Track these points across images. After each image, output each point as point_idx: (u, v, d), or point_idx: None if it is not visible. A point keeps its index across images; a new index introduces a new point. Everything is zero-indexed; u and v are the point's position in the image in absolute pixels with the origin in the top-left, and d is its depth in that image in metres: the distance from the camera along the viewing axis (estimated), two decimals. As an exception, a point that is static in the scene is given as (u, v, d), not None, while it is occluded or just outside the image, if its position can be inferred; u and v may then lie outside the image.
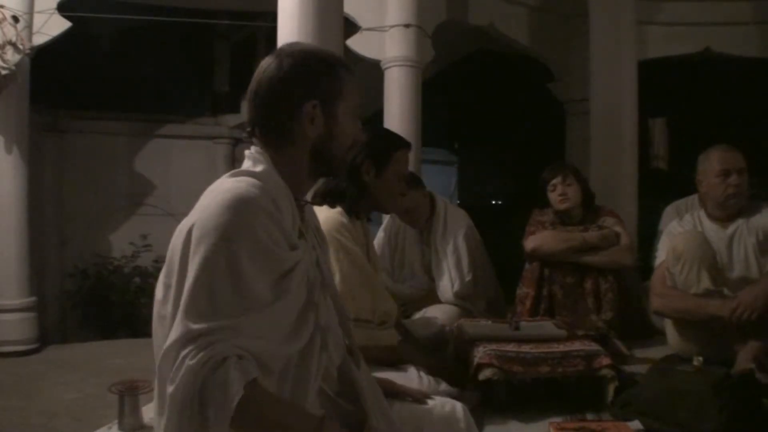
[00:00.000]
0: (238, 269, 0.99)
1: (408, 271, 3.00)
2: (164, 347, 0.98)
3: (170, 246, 1.09)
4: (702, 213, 2.61)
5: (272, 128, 1.16)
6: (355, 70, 1.25)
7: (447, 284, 2.86)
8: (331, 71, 1.17)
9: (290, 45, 1.22)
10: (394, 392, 1.39)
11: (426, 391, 1.51)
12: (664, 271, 2.46)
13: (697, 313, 2.32)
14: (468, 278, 2.86)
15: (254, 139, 1.19)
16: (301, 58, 1.17)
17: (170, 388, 0.96)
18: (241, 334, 0.98)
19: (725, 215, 2.52)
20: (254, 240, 1.01)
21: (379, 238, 3.02)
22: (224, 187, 1.06)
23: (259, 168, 1.13)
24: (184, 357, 0.95)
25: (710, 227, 2.54)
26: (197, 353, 0.94)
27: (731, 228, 2.50)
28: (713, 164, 2.49)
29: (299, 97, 1.14)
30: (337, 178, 1.32)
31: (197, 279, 0.99)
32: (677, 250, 2.38)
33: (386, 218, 3.04)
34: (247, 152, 1.18)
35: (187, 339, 0.96)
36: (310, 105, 1.14)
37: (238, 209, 1.02)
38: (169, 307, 1.04)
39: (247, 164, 1.15)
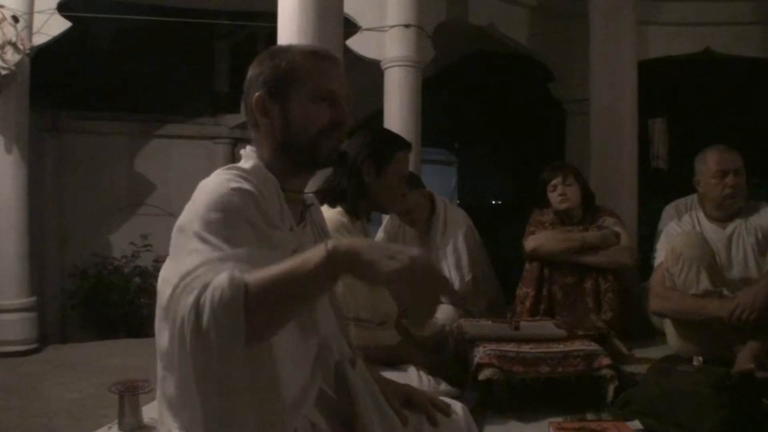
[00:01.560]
0: (225, 231, 0.98)
1: None
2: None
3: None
4: (701, 213, 2.60)
5: (249, 124, 1.21)
6: (337, 58, 1.22)
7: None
8: (280, 61, 1.17)
9: (273, 47, 1.26)
10: (412, 402, 1.30)
11: (440, 400, 1.40)
12: (663, 271, 2.45)
13: (695, 314, 2.32)
14: (468, 278, 2.86)
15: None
16: (262, 57, 1.20)
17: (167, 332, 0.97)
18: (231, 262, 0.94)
19: (724, 215, 2.52)
20: (236, 214, 1.01)
21: (379, 238, 3.02)
22: (212, 181, 1.08)
23: (247, 163, 1.15)
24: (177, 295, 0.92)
25: (709, 227, 2.54)
26: (187, 286, 0.91)
27: (730, 228, 2.50)
28: (710, 165, 2.49)
29: (249, 91, 1.18)
30: (327, 166, 1.23)
31: (183, 226, 1.01)
32: (676, 251, 2.38)
33: (386, 218, 3.05)
34: (241, 151, 1.21)
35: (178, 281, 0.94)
36: (257, 97, 1.16)
37: (226, 197, 1.02)
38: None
39: (240, 162, 1.18)
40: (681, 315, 2.40)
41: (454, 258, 2.86)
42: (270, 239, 1.04)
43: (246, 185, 1.05)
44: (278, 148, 1.17)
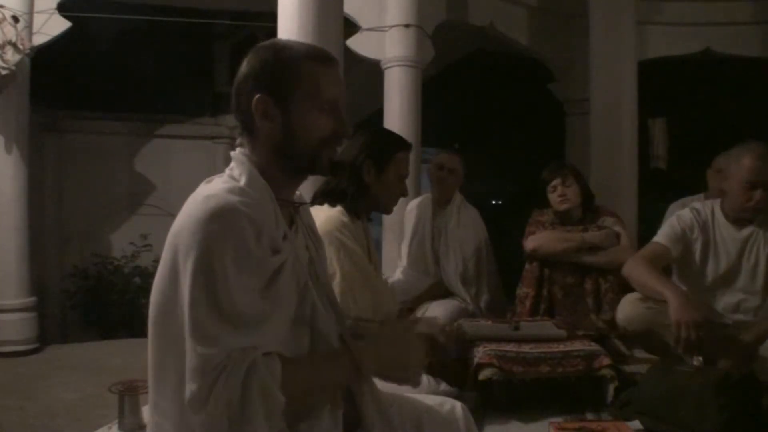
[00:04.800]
0: (227, 285, 0.98)
1: (417, 250, 3.13)
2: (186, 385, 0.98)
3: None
4: (717, 207, 2.42)
5: (241, 125, 1.16)
6: (337, 62, 1.19)
7: (452, 267, 3.01)
8: (285, 63, 1.12)
9: (267, 41, 1.20)
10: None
11: (426, 390, 1.49)
12: (655, 248, 2.37)
13: (652, 294, 2.20)
14: (471, 263, 3.02)
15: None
16: (261, 52, 1.15)
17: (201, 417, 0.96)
18: (249, 345, 0.98)
19: (741, 218, 2.36)
20: (238, 248, 1.00)
21: (410, 209, 3.23)
22: (204, 194, 1.05)
23: (239, 170, 1.11)
24: (208, 384, 0.95)
25: (723, 225, 2.38)
26: (220, 375, 0.95)
27: (745, 232, 2.35)
28: (743, 171, 2.27)
29: (249, 91, 1.12)
30: (322, 175, 1.21)
31: (193, 301, 0.97)
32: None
33: (386, 218, 3.07)
34: (232, 153, 1.16)
35: (204, 365, 0.96)
36: (259, 98, 1.11)
37: (219, 218, 1.00)
38: (155, 305, 1.06)
39: (230, 166, 1.14)
40: (643, 291, 2.28)
41: (460, 245, 3.02)
42: (269, 268, 1.05)
43: (243, 205, 1.02)
44: (276, 154, 1.13)
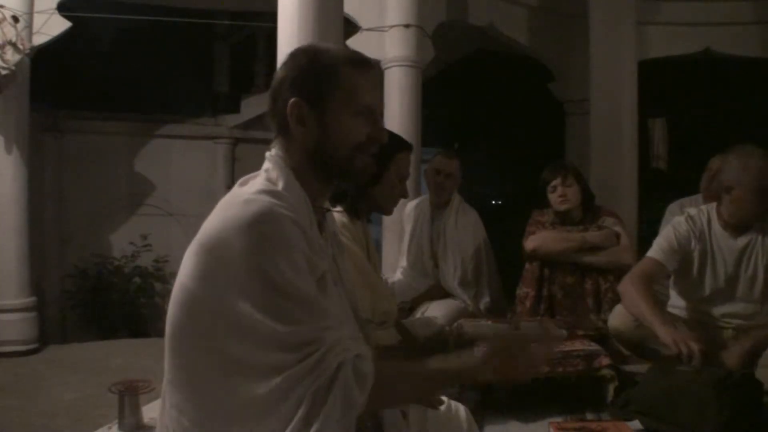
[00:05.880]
0: (287, 281, 0.95)
1: (416, 253, 3.12)
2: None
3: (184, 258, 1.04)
4: (714, 213, 2.34)
5: (276, 128, 1.14)
6: (375, 67, 1.17)
7: (450, 270, 3.00)
8: (322, 68, 1.10)
9: (306, 44, 1.19)
10: None
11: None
12: (650, 264, 2.32)
13: (642, 321, 2.16)
14: (470, 266, 3.00)
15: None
16: (299, 56, 1.13)
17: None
18: (337, 341, 0.97)
19: (739, 227, 2.29)
20: (291, 249, 0.97)
21: (408, 211, 3.22)
22: (243, 198, 1.01)
23: (276, 173, 1.09)
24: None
25: (720, 235, 2.31)
26: (315, 353, 0.94)
27: (743, 240, 2.28)
28: (752, 179, 2.16)
29: (285, 95, 1.10)
30: (353, 182, 1.19)
31: (256, 298, 0.94)
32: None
33: (386, 219, 3.07)
34: (267, 154, 1.14)
35: (290, 339, 0.94)
36: (294, 102, 1.09)
37: (266, 221, 0.97)
38: (177, 315, 1.02)
39: (266, 167, 1.12)
40: (634, 314, 2.23)
41: (459, 247, 3.00)
42: (317, 270, 1.03)
43: (285, 208, 1.00)
44: (310, 159, 1.11)
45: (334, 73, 1.10)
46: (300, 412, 0.92)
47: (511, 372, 1.13)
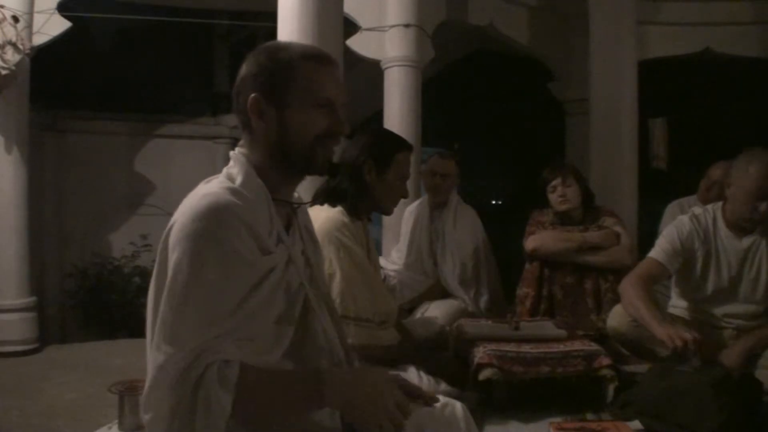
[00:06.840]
0: (205, 280, 0.99)
1: (416, 254, 3.12)
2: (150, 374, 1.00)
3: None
4: (719, 213, 2.34)
5: (240, 125, 1.18)
6: (334, 62, 1.19)
7: (450, 269, 3.01)
8: (279, 63, 1.14)
9: (267, 43, 1.22)
10: (407, 391, 1.35)
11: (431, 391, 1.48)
12: (651, 266, 2.32)
13: (641, 322, 2.16)
14: (469, 265, 3.01)
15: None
16: (258, 53, 1.17)
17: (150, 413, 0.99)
18: (215, 345, 0.99)
19: (743, 227, 2.30)
20: (223, 249, 1.01)
21: (407, 214, 3.23)
22: (201, 193, 1.07)
23: (236, 170, 1.13)
24: (163, 378, 0.97)
25: (725, 234, 2.31)
26: (175, 373, 0.96)
27: (747, 241, 2.29)
28: (751, 182, 2.17)
29: (246, 91, 1.14)
30: (319, 175, 1.20)
31: (170, 291, 1.00)
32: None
33: (386, 218, 3.08)
34: (231, 153, 1.18)
35: (165, 361, 0.97)
36: (253, 98, 1.13)
37: (207, 217, 1.02)
38: (151, 302, 1.07)
39: (230, 164, 1.16)
40: (633, 315, 2.23)
41: (458, 247, 3.02)
42: (257, 271, 1.06)
43: (236, 206, 1.04)
44: (272, 153, 1.15)
45: (290, 68, 1.13)
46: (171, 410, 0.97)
47: (363, 405, 1.02)
